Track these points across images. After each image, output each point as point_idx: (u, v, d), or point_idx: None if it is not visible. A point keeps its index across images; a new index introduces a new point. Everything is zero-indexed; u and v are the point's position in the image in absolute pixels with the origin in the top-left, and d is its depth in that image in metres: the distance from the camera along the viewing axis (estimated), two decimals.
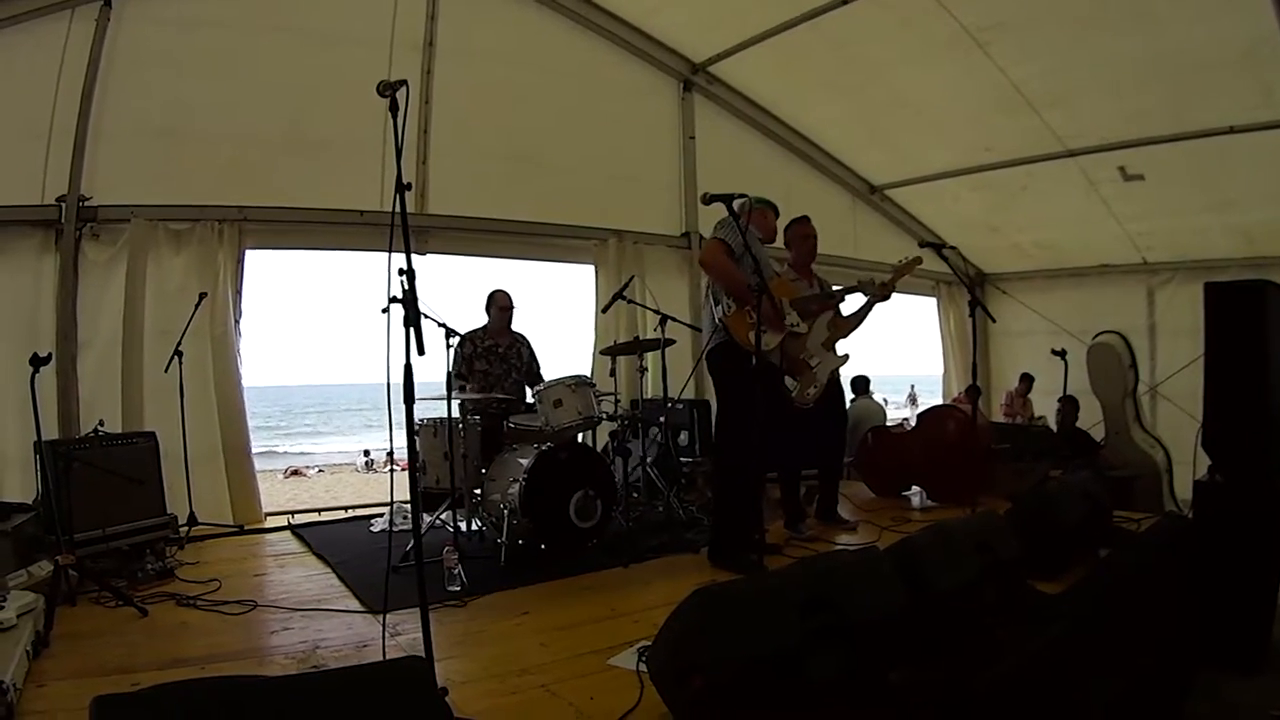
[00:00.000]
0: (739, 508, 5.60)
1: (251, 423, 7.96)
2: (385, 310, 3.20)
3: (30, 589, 4.29)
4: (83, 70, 6.91)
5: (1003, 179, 10.17)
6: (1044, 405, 10.81)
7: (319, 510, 8.48)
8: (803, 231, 6.87)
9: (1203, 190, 9.06)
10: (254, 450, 7.93)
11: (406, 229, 3.21)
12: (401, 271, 3.09)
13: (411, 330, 3.09)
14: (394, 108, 3.31)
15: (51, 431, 6.24)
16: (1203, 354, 4.53)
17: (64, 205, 6.85)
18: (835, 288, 6.91)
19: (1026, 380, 11.55)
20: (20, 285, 6.82)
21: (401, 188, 3.23)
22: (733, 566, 5.39)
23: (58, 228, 6.87)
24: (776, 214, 6.22)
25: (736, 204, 5.33)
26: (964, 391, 12.11)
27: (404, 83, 3.33)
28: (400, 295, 3.11)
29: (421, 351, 3.11)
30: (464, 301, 7.54)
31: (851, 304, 6.96)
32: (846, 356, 6.84)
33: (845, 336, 6.82)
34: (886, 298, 6.71)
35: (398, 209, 3.23)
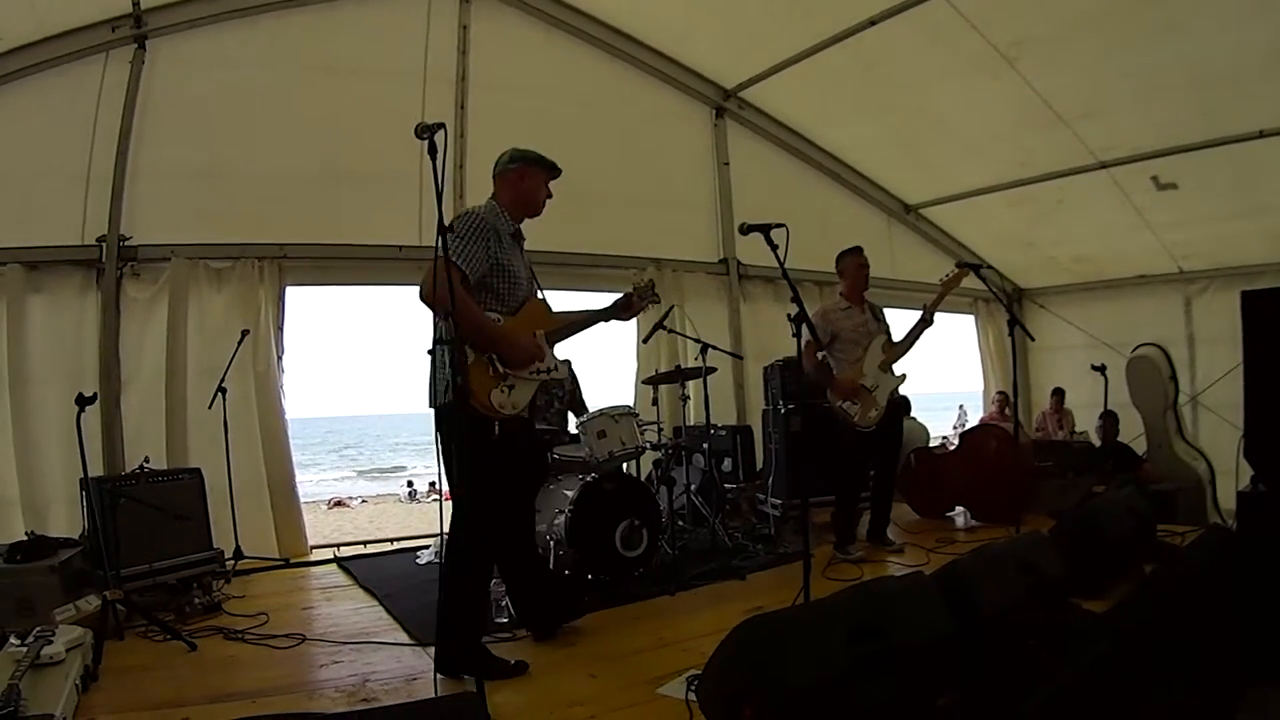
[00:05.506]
0: (466, 608, 4.18)
1: (295, 455, 7.98)
2: (430, 352, 3.22)
3: (78, 624, 4.37)
4: (119, 111, 7.05)
5: (1037, 194, 10.10)
6: (1085, 420, 10.69)
7: (364, 542, 8.55)
8: (858, 262, 6.84)
9: (1235, 196, 8.97)
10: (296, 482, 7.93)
11: (450, 272, 3.20)
12: (447, 315, 3.10)
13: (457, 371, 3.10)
14: (433, 150, 3.31)
15: (96, 468, 6.31)
16: (1242, 362, 4.51)
17: (104, 245, 6.98)
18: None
19: (1058, 394, 11.44)
20: (63, 324, 6.94)
21: (443, 230, 3.22)
22: (472, 671, 3.74)
23: (99, 267, 6.99)
24: (549, 174, 4.63)
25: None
26: (995, 398, 12.05)
27: (441, 125, 3.32)
28: (447, 336, 3.11)
29: (469, 393, 3.11)
30: None
31: (900, 328, 6.95)
32: (904, 376, 6.81)
33: (896, 360, 6.77)
34: (931, 321, 6.69)
35: (440, 251, 3.22)
